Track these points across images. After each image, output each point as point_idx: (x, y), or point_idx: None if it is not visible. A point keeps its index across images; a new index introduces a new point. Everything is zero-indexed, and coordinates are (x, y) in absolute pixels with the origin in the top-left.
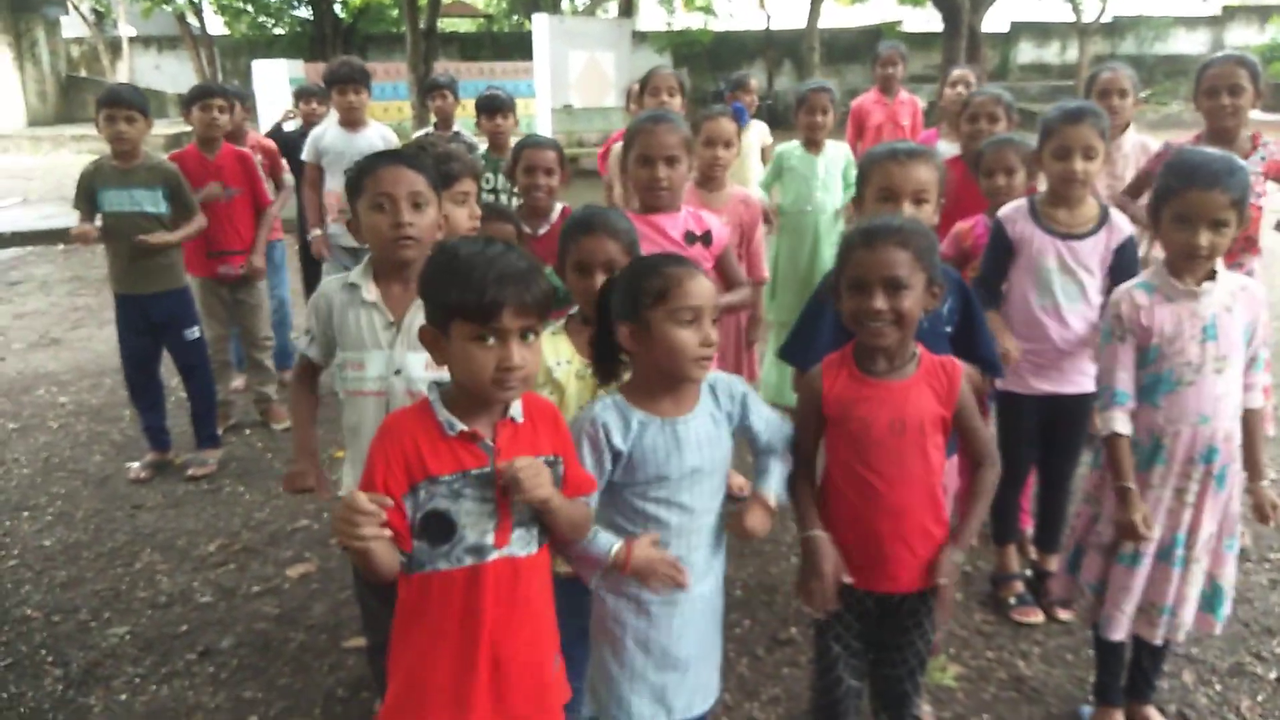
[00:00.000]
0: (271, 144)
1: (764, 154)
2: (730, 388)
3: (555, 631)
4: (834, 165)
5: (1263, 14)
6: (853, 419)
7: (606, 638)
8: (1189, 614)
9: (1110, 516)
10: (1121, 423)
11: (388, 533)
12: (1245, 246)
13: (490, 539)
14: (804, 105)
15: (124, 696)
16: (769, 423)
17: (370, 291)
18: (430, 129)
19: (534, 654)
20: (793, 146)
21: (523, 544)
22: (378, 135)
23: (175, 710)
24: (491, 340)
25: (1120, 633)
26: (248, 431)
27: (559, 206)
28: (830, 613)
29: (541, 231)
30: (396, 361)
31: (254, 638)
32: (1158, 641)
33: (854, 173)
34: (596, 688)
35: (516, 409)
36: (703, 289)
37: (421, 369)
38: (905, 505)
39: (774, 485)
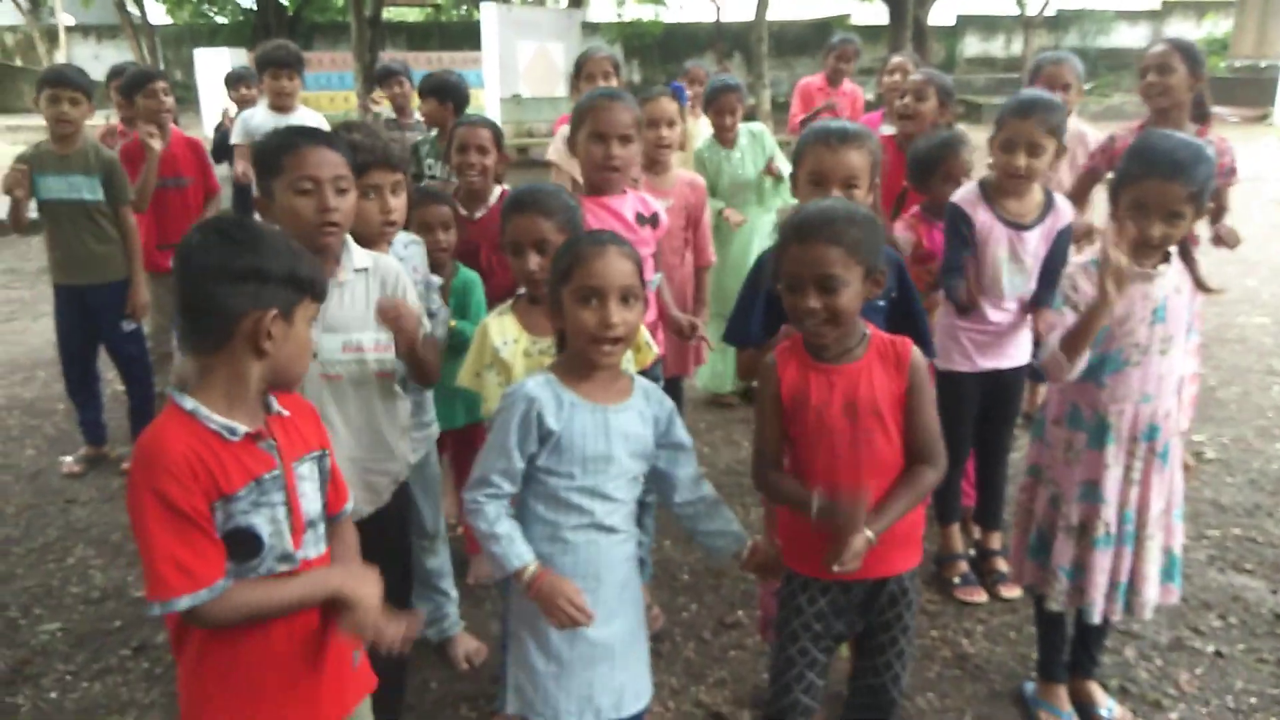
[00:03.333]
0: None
1: None
2: (662, 398)
3: None
4: (747, 152)
5: (1199, 8)
6: (807, 407)
7: (529, 629)
8: (1152, 592)
9: (1068, 492)
10: (1056, 336)
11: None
12: (1187, 236)
13: (290, 544)
14: (712, 105)
15: (54, 694)
16: (680, 448)
17: None
18: (383, 117)
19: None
20: (708, 142)
21: (313, 545)
22: (310, 120)
23: (107, 707)
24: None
25: (1099, 615)
26: None
27: (498, 190)
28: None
29: (479, 215)
30: (312, 344)
31: None
32: (1117, 618)
33: (769, 141)
34: (521, 684)
35: (275, 402)
36: (608, 269)
37: (339, 351)
38: (869, 488)
39: (736, 531)
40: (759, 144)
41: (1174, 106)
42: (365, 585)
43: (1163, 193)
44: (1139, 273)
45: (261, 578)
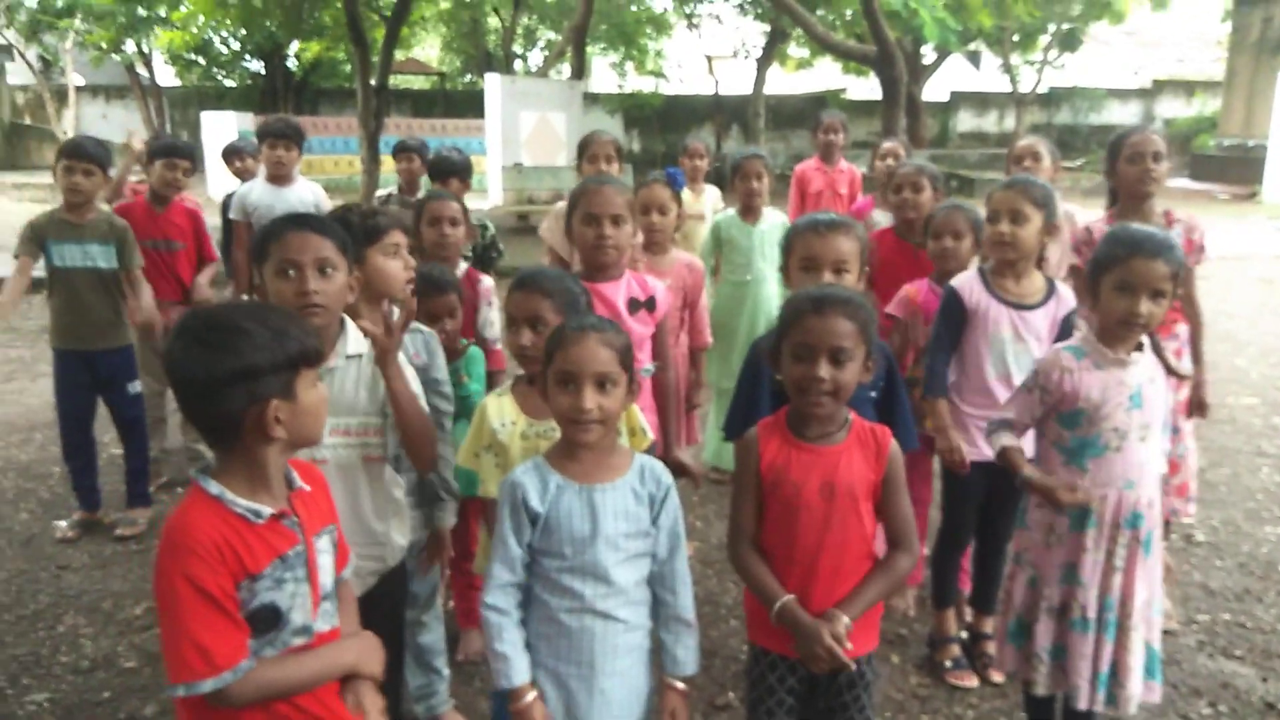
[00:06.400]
0: (195, 204)
1: None
2: (658, 475)
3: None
4: (771, 234)
5: (1189, 88)
6: (785, 483)
7: None
8: (1136, 686)
9: (1047, 575)
10: (1008, 438)
11: None
12: (1174, 316)
13: (311, 617)
14: (739, 173)
15: None
16: (670, 536)
17: None
18: (393, 189)
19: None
20: (730, 216)
21: (327, 619)
22: (308, 191)
23: None
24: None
25: (1086, 701)
26: (179, 490)
27: (464, 266)
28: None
29: None
30: (325, 396)
31: None
32: (1099, 708)
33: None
34: None
35: (297, 476)
36: (583, 356)
37: (326, 434)
38: (837, 571)
39: (682, 659)
40: (778, 237)
41: (1154, 194)
42: (374, 663)
43: (1148, 271)
44: (1114, 359)
45: (280, 656)
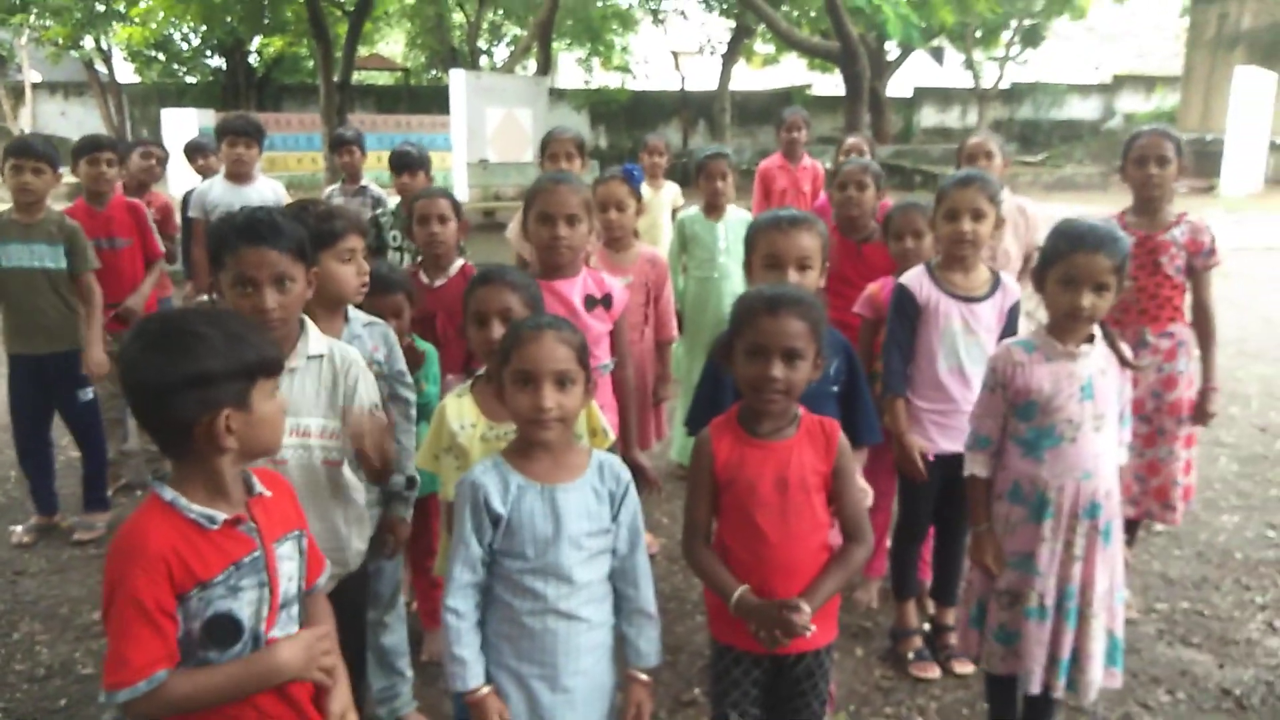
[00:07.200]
0: (166, 200)
1: (675, 215)
2: (617, 472)
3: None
4: (735, 229)
5: (1149, 83)
6: (740, 481)
7: None
8: (1097, 672)
9: (1012, 529)
10: (980, 465)
11: None
12: (1173, 315)
13: (263, 626)
14: (703, 172)
15: None
16: (630, 531)
17: None
18: (339, 183)
19: None
20: (694, 214)
21: (285, 625)
22: (268, 189)
23: None
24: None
25: (1037, 685)
26: (139, 493)
27: (459, 262)
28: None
29: (438, 283)
30: (284, 406)
31: None
32: (1060, 694)
33: None
34: None
35: (257, 482)
36: (541, 354)
37: (285, 435)
38: (795, 563)
39: (644, 651)
40: (742, 234)
41: (1162, 197)
42: (309, 664)
43: (1090, 264)
44: (1063, 352)
45: (199, 668)
